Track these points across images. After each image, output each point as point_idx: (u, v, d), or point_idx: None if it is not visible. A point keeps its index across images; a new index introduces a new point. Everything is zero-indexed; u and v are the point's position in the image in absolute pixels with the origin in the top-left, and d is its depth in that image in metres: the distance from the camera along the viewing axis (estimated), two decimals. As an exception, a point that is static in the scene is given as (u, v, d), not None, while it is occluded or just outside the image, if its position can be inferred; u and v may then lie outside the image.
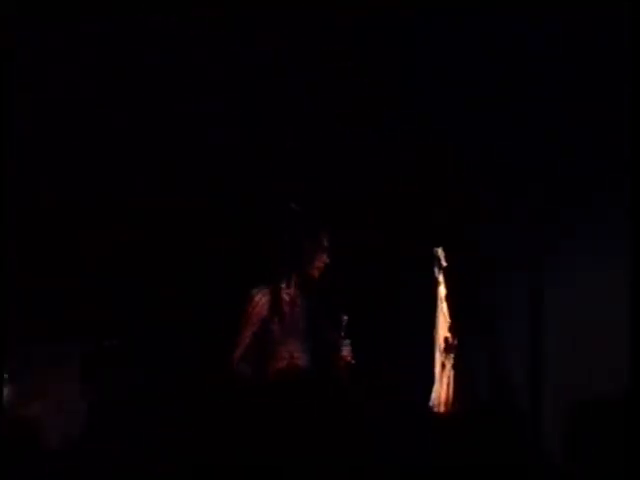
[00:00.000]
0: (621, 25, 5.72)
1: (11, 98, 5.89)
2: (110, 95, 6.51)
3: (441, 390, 4.91)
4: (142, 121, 6.60)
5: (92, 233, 6.55)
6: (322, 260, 4.46)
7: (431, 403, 4.85)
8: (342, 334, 4.41)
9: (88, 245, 6.55)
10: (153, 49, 6.43)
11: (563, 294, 5.61)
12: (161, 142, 6.67)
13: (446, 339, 4.90)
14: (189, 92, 6.56)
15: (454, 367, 4.85)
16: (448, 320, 4.91)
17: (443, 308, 4.97)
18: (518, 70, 6.43)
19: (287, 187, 6.76)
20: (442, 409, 4.82)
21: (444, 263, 5.04)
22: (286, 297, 4.43)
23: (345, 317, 4.45)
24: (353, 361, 4.40)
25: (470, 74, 6.48)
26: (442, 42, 6.42)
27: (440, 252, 5.08)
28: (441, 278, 5.03)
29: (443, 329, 4.95)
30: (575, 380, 5.13)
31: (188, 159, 6.74)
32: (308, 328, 4.42)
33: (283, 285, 4.49)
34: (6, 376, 4.85)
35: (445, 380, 4.84)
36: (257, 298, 4.34)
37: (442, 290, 5.02)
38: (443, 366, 4.88)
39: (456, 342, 4.88)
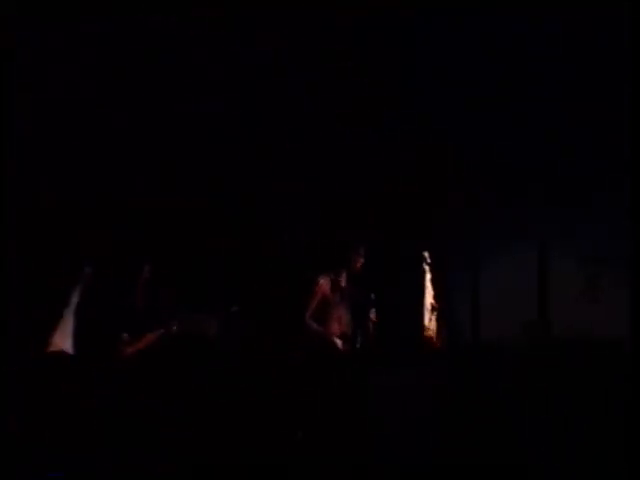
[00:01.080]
0: (621, 25, 5.73)
1: (11, 98, 5.89)
2: (110, 95, 6.51)
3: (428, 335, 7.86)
4: (142, 121, 6.60)
5: (92, 233, 6.56)
6: (361, 261, 6.81)
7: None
8: (370, 305, 6.92)
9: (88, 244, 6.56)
10: (153, 49, 6.43)
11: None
12: (161, 142, 6.68)
13: (431, 304, 7.85)
14: (189, 92, 6.56)
15: (436, 320, 7.81)
16: (432, 293, 7.85)
17: (429, 287, 7.88)
18: (518, 70, 6.43)
19: (287, 187, 6.79)
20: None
21: (429, 260, 7.81)
22: (339, 282, 6.82)
23: (373, 295, 6.92)
24: (376, 321, 6.91)
25: (470, 74, 6.48)
26: (442, 42, 6.43)
27: (426, 254, 7.82)
28: (427, 269, 7.82)
29: (429, 298, 7.86)
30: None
31: (188, 159, 6.74)
32: (351, 301, 6.87)
33: (338, 275, 6.93)
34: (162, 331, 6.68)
35: (431, 328, 7.78)
36: (322, 281, 6.75)
37: (428, 276, 7.88)
38: (430, 320, 7.83)
39: (437, 306, 7.85)
